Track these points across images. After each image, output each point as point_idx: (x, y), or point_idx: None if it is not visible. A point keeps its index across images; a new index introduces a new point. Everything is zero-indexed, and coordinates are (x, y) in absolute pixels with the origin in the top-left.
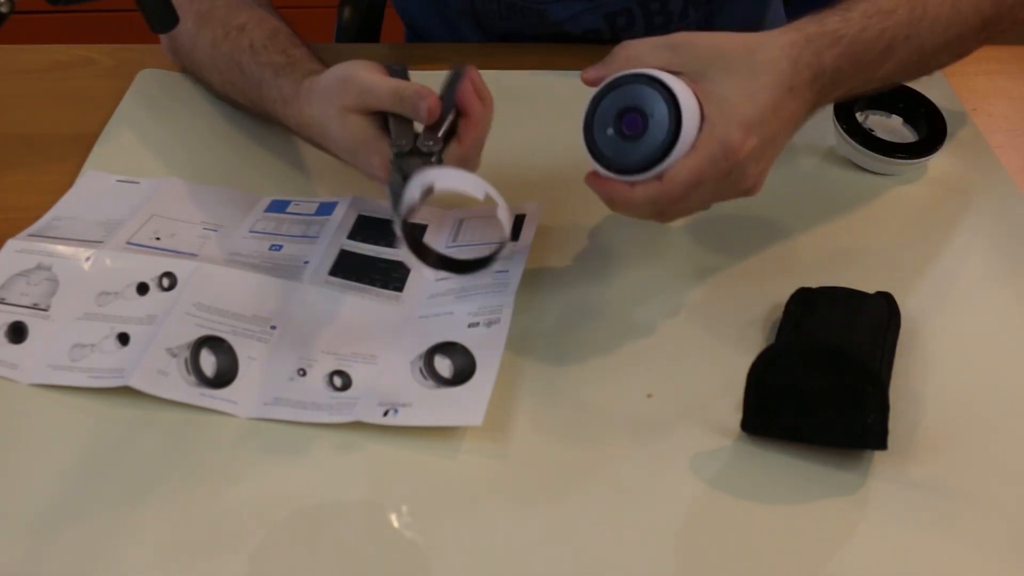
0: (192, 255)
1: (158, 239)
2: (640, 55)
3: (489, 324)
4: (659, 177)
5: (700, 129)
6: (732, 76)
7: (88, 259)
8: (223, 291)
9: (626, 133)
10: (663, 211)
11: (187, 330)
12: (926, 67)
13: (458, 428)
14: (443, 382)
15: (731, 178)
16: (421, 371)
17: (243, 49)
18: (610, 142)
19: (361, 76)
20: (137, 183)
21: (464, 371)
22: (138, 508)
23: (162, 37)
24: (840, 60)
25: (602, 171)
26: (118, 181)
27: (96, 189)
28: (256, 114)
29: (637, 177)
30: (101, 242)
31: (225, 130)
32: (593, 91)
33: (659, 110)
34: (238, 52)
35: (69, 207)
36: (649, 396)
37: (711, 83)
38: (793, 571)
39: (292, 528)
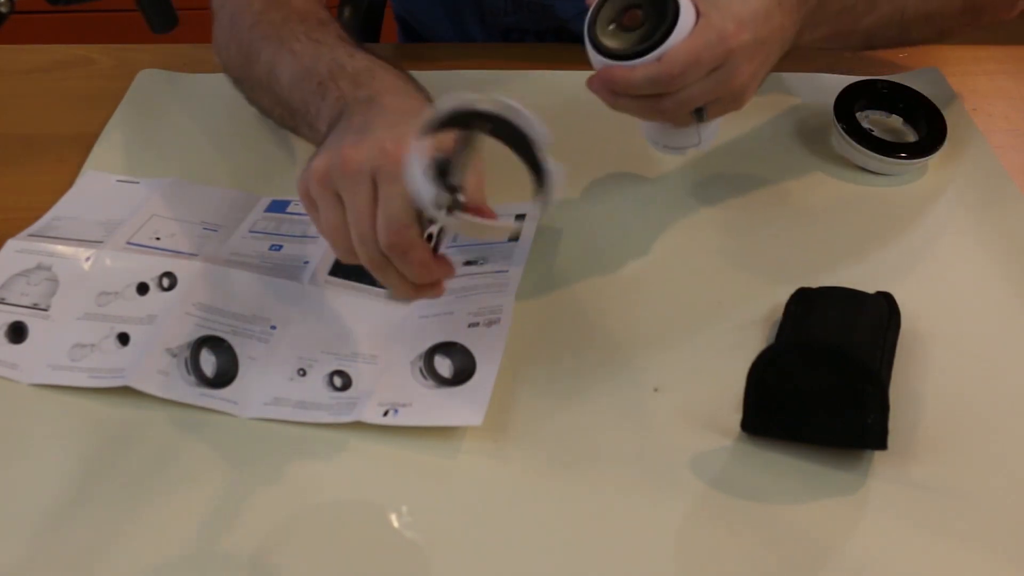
0: (192, 255)
1: (158, 239)
2: None
3: (489, 324)
4: (658, 60)
5: (696, 23)
6: None
7: (88, 259)
8: (223, 291)
9: (627, 26)
10: (662, 93)
11: (187, 330)
12: (906, 33)
13: (458, 428)
14: (443, 382)
15: (724, 71)
16: (421, 371)
17: (328, 33)
18: (612, 37)
19: None
20: (137, 183)
21: (464, 371)
22: (137, 508)
23: (214, 29)
24: None
25: (604, 63)
26: (118, 181)
27: (96, 189)
28: (290, 89)
29: (636, 61)
30: (101, 242)
31: (225, 130)
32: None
33: (657, 4)
34: (318, 33)
35: (69, 207)
36: (655, 390)
37: None
38: (793, 571)
39: (292, 528)
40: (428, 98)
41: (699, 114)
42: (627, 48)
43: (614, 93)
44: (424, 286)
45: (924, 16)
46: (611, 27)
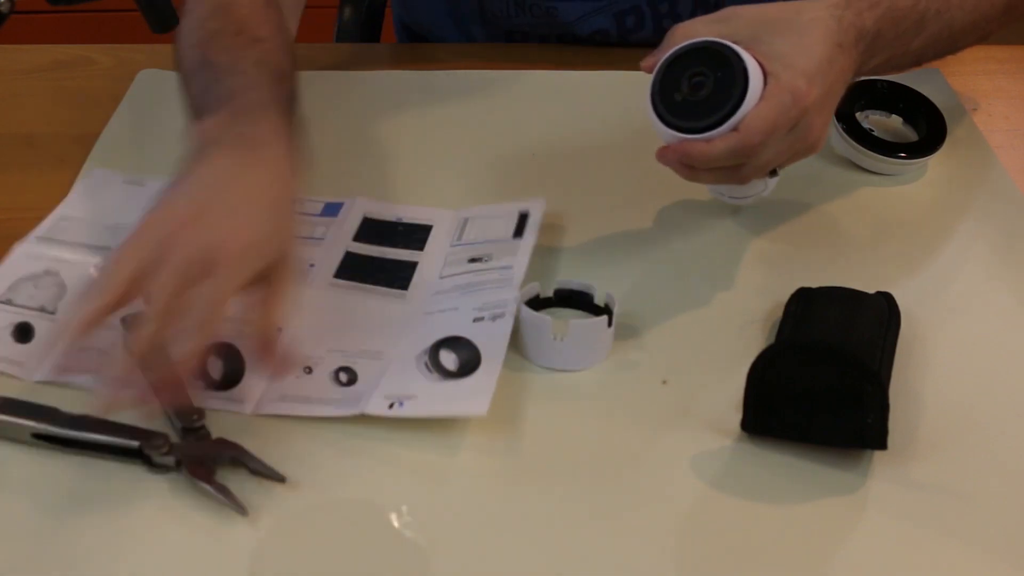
0: None
1: None
2: (694, 31)
3: (494, 318)
4: (735, 129)
5: (765, 83)
6: (784, 35)
7: (95, 266)
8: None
9: (693, 97)
10: (742, 162)
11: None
12: (953, 45)
13: (460, 425)
14: (448, 375)
15: (799, 129)
16: (426, 365)
17: (246, 56)
18: (678, 109)
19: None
20: (143, 185)
21: (469, 364)
22: (137, 506)
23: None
24: (880, 23)
25: (674, 136)
26: (125, 182)
27: (103, 189)
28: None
29: (712, 133)
30: (108, 248)
31: None
32: (654, 71)
33: (723, 69)
34: (238, 52)
35: (76, 207)
36: (664, 382)
37: (765, 45)
38: (793, 571)
39: (292, 527)
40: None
41: (773, 171)
42: (699, 121)
43: (691, 167)
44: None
45: (971, 25)
46: (677, 96)
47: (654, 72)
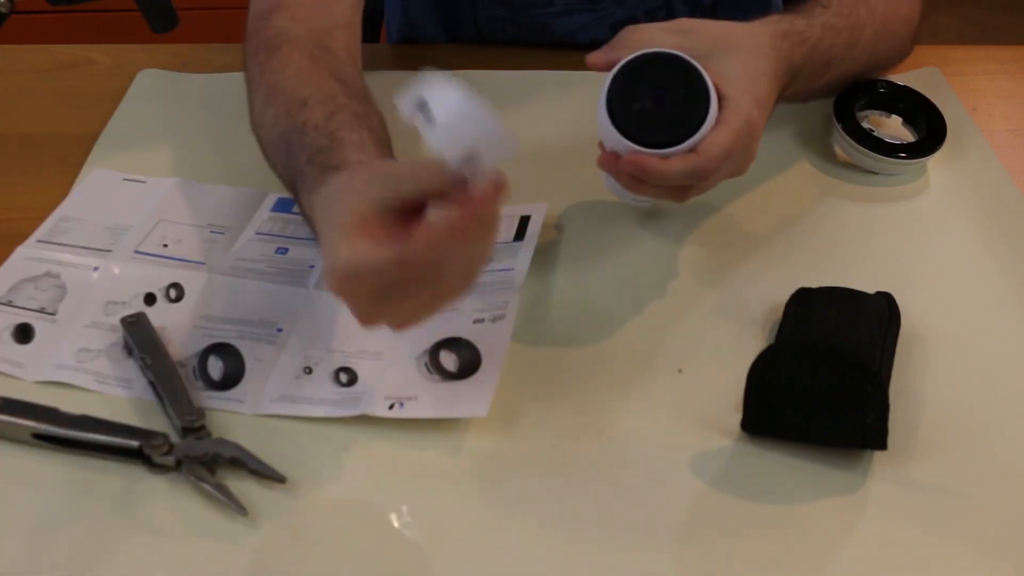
0: (199, 263)
1: (165, 246)
2: (652, 38)
3: (494, 320)
4: (692, 150)
5: (720, 107)
6: (737, 59)
7: (96, 268)
8: (230, 301)
9: (653, 110)
10: (695, 184)
11: (195, 342)
12: (841, 87)
13: (461, 425)
14: (449, 376)
15: (746, 153)
16: (427, 366)
17: (296, 128)
18: (635, 119)
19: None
20: (144, 182)
21: (469, 365)
22: (137, 505)
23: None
24: (803, 60)
25: (628, 147)
26: (125, 180)
27: (103, 188)
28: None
29: (671, 151)
30: (109, 251)
31: (225, 129)
32: (609, 73)
33: (688, 87)
34: (292, 132)
35: (75, 207)
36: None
37: (719, 65)
38: (793, 571)
39: (292, 527)
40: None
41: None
42: (659, 137)
43: (640, 180)
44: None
45: (860, 72)
46: (636, 106)
47: (610, 75)
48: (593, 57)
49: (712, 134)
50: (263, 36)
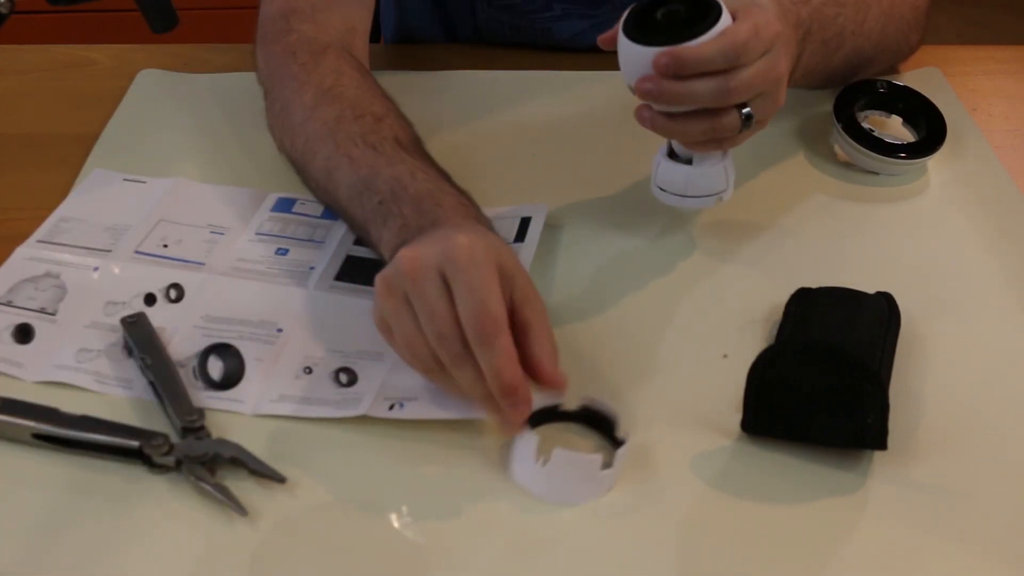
0: (199, 264)
1: (165, 246)
2: None
3: None
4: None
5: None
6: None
7: (96, 268)
8: (230, 302)
9: (671, 23)
10: (733, 67)
11: (195, 342)
12: (857, 70)
13: (461, 425)
14: None
15: (773, 53)
16: None
17: (384, 138)
18: (656, 33)
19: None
20: (144, 182)
21: None
22: (137, 505)
23: (267, 109)
24: (811, 19)
25: (654, 53)
26: (125, 180)
27: (103, 188)
28: (348, 197)
29: (698, 40)
30: (109, 251)
31: (225, 130)
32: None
33: (696, 2)
34: (374, 136)
35: (75, 207)
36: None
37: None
38: (793, 571)
39: (292, 527)
40: (490, 226)
41: (747, 120)
42: (683, 34)
43: (679, 77)
44: (507, 387)
45: (872, 57)
46: (654, 23)
47: (623, 16)
48: (604, 35)
49: (734, 23)
50: (291, 39)
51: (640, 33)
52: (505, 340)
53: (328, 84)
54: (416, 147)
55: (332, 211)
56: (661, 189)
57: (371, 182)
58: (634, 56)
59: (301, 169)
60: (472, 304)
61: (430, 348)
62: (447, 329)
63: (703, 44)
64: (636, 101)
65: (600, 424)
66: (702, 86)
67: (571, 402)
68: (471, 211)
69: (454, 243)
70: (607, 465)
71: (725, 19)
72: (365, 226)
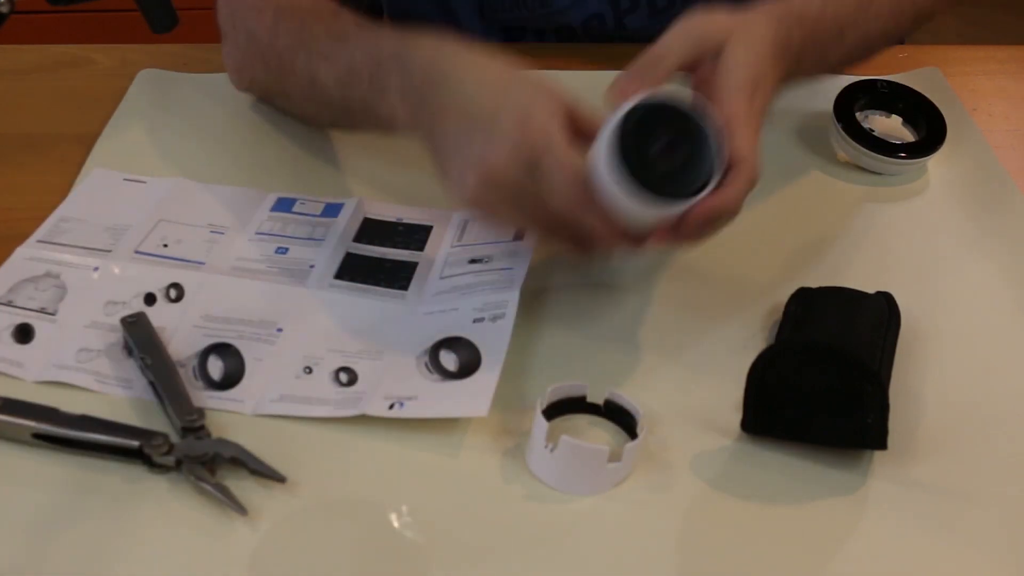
0: (199, 263)
1: (165, 246)
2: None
3: (494, 319)
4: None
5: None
6: (739, 50)
7: (96, 268)
8: (230, 301)
9: (668, 162)
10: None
11: (195, 342)
12: (869, 53)
13: (461, 425)
14: (448, 375)
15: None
16: (427, 365)
17: (347, 24)
18: (656, 177)
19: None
20: (144, 182)
21: (469, 364)
22: (137, 505)
23: (227, 51)
24: (804, 41)
25: (653, 201)
26: (125, 180)
27: (103, 188)
28: (341, 95)
29: (698, 198)
30: (109, 251)
31: (225, 130)
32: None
33: (696, 135)
34: (337, 27)
35: (75, 207)
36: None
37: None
38: (793, 571)
39: (293, 527)
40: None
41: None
42: (689, 181)
43: (721, 219)
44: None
45: (882, 34)
46: (649, 160)
47: (608, 146)
48: (614, 90)
49: (743, 159)
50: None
51: (644, 178)
52: (595, 214)
53: (283, 2)
54: (377, 24)
55: (327, 119)
56: None
57: (353, 68)
58: (641, 206)
59: (280, 91)
60: (558, 196)
61: (548, 220)
62: (555, 220)
63: (729, 190)
64: None
65: (622, 419)
66: (722, 223)
67: (596, 395)
68: (443, 42)
69: (523, 140)
70: (616, 459)
71: (723, 150)
72: (366, 107)
